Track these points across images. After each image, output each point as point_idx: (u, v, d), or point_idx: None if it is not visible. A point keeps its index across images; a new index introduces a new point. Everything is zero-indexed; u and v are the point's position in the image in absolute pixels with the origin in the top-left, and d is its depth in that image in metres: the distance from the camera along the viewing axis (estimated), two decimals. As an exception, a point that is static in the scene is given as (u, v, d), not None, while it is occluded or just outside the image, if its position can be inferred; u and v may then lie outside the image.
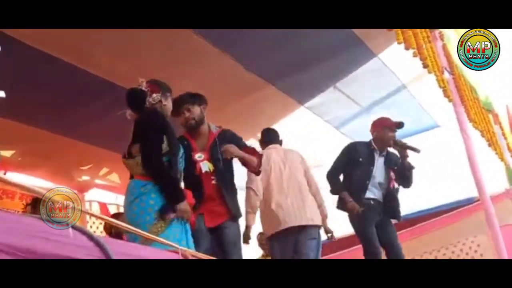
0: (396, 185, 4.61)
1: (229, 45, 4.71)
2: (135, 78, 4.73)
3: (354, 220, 4.50)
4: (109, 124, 5.48)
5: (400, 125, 4.69)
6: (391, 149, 4.76)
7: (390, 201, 4.59)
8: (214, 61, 4.83)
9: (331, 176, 4.68)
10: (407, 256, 5.55)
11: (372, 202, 4.50)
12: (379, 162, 4.63)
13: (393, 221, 4.70)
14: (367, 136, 7.68)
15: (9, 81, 4.11)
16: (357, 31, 4.85)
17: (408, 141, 7.76)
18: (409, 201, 8.11)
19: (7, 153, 5.83)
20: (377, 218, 4.52)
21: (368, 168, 4.56)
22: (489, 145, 4.77)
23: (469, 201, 6.87)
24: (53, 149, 5.83)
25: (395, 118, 7.08)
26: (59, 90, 4.85)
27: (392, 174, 4.61)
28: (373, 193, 4.52)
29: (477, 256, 5.74)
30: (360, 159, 4.60)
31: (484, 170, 4.01)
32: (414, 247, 6.27)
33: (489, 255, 5.08)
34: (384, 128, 4.67)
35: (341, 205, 4.58)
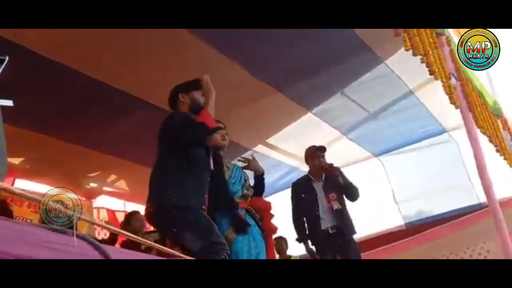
0: (336, 206, 4.75)
1: (237, 52, 4.73)
2: (143, 86, 4.79)
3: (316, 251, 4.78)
4: (117, 131, 5.51)
5: (321, 149, 5.01)
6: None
7: (345, 222, 4.75)
8: (221, 67, 4.83)
9: (294, 224, 4.93)
10: (416, 263, 5.52)
11: (331, 231, 4.67)
12: (320, 189, 4.86)
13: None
14: (373, 142, 7.70)
15: (18, 89, 4.14)
16: (364, 37, 4.84)
17: (416, 147, 7.86)
18: (418, 207, 8.12)
19: (16, 161, 5.86)
20: (338, 246, 4.66)
21: (312, 198, 4.82)
22: (498, 150, 4.74)
23: (478, 207, 6.83)
24: (61, 156, 5.86)
25: (402, 124, 7.16)
26: (67, 98, 4.87)
27: (332, 195, 4.78)
28: (329, 221, 4.71)
29: (486, 263, 5.70)
30: (303, 195, 4.90)
31: (493, 175, 3.98)
32: (423, 253, 6.24)
33: (499, 262, 5.04)
34: (312, 158, 5.02)
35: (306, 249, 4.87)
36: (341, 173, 4.92)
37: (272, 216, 3.87)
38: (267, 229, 3.75)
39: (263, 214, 3.79)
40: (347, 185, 4.84)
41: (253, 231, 3.57)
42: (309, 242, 4.84)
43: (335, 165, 4.95)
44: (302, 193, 4.94)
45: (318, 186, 4.89)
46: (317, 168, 4.94)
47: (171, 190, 2.97)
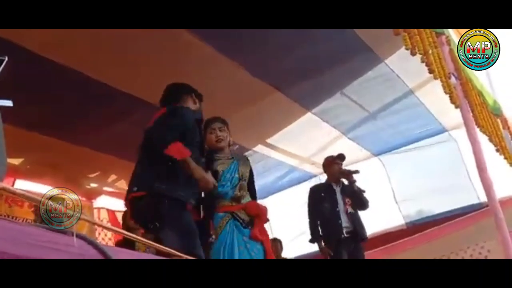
0: (350, 210, 5.06)
1: (237, 52, 4.73)
2: (142, 86, 4.79)
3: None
4: (117, 131, 5.51)
5: (340, 157, 5.33)
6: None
7: (357, 225, 5.07)
8: (221, 68, 4.84)
9: (310, 226, 5.20)
10: (417, 262, 5.52)
11: (345, 235, 4.96)
12: (338, 192, 5.21)
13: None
14: (373, 141, 7.70)
15: (17, 89, 4.14)
16: (364, 37, 4.84)
17: (416, 147, 7.86)
18: (418, 207, 8.12)
19: (16, 161, 5.86)
20: (350, 249, 4.96)
21: (332, 197, 5.15)
22: (498, 150, 4.74)
23: (478, 207, 6.83)
24: (61, 156, 5.86)
25: (402, 123, 7.16)
26: (67, 98, 4.88)
27: (347, 200, 5.11)
28: (346, 222, 5.01)
29: (487, 262, 5.70)
30: (323, 194, 5.23)
31: (493, 175, 3.98)
32: (424, 252, 6.25)
33: (499, 261, 5.04)
34: (330, 165, 5.36)
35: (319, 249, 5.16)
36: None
37: (262, 222, 3.71)
38: (253, 236, 3.57)
39: (255, 221, 3.64)
40: (360, 192, 5.15)
41: (232, 238, 3.47)
42: (322, 242, 5.11)
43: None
44: (322, 192, 5.27)
45: (337, 189, 5.23)
46: (336, 173, 5.27)
47: (161, 179, 2.90)
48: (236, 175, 3.68)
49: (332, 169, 5.31)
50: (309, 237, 5.21)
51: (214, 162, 3.67)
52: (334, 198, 5.13)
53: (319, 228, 5.16)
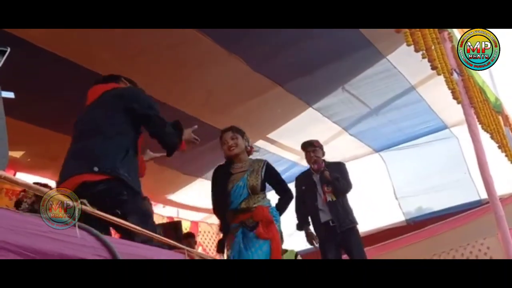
0: (330, 198, 4.90)
1: (238, 46, 4.72)
2: (145, 81, 4.77)
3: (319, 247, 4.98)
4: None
5: (308, 144, 5.13)
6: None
7: (337, 214, 4.85)
8: (222, 62, 4.83)
9: (296, 213, 5.12)
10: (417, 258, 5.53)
11: (331, 224, 4.82)
12: (317, 181, 5.04)
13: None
14: (374, 137, 7.70)
15: (19, 82, 4.13)
16: (366, 33, 4.83)
17: (417, 143, 7.87)
18: (418, 203, 8.13)
19: (17, 154, 5.86)
20: (337, 238, 4.81)
21: (312, 190, 5.02)
22: (499, 147, 4.75)
23: (479, 204, 6.84)
24: (61, 150, 5.84)
25: (403, 120, 7.16)
26: (68, 92, 4.86)
27: (327, 188, 4.94)
28: (327, 212, 4.88)
29: (486, 258, 5.71)
30: (303, 187, 5.12)
31: (494, 172, 3.98)
32: (424, 249, 6.26)
33: (499, 258, 5.06)
34: (305, 155, 5.18)
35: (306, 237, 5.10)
36: (340, 168, 5.11)
37: (265, 224, 3.75)
38: (257, 234, 3.69)
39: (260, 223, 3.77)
40: (333, 179, 4.92)
41: (239, 246, 3.64)
42: (310, 227, 5.04)
43: (337, 159, 5.07)
44: (302, 185, 5.13)
45: (317, 179, 5.05)
46: (308, 162, 5.15)
47: (123, 167, 2.63)
48: (245, 190, 3.79)
49: (306, 158, 5.19)
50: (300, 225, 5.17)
51: (228, 178, 3.84)
52: (313, 191, 4.99)
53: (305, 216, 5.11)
